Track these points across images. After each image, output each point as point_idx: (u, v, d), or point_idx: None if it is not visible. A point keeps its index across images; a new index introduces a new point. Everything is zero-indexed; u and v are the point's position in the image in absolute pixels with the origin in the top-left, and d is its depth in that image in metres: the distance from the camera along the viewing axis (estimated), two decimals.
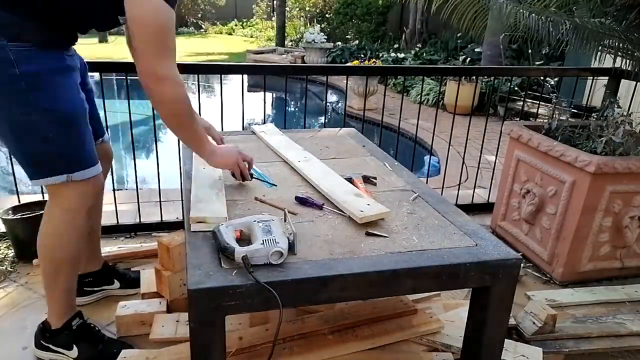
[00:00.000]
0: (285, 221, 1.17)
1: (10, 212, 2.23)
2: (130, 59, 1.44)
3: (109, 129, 2.74)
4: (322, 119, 2.99)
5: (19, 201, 2.34)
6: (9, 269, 2.16)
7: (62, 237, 1.49)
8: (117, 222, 2.53)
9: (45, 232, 1.50)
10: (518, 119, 5.28)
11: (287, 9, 14.28)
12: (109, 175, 2.55)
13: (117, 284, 1.97)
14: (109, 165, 1.90)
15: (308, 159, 1.73)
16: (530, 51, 7.14)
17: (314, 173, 1.59)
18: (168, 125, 1.31)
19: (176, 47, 1.28)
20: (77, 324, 1.60)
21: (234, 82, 6.10)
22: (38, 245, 1.51)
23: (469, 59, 8.39)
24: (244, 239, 1.15)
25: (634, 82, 2.77)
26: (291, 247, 1.12)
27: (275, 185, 1.52)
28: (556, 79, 2.83)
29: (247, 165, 1.48)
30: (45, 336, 1.60)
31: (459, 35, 9.50)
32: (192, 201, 1.33)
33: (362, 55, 9.80)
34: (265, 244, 1.07)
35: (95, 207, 1.84)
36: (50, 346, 1.59)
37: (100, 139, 1.75)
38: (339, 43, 11.71)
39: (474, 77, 6.53)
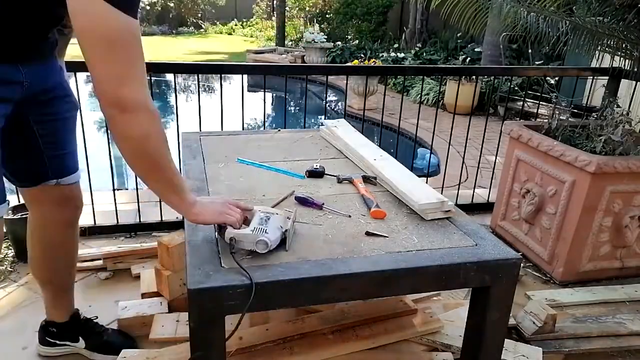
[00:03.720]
0: (289, 219, 1.18)
1: (10, 212, 2.23)
2: None
3: (109, 129, 2.73)
4: (322, 119, 2.99)
5: (19, 201, 2.34)
6: (9, 269, 2.16)
7: None
8: (117, 222, 2.53)
9: None
10: (518, 118, 5.28)
11: (287, 8, 14.28)
12: (109, 175, 2.56)
13: (82, 342, 1.66)
14: (72, 213, 1.57)
15: (384, 157, 1.70)
16: (530, 51, 7.13)
17: (389, 172, 1.57)
18: (135, 169, 1.03)
19: (145, 68, 0.98)
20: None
21: (234, 82, 6.10)
22: None
23: (468, 58, 8.39)
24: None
25: (634, 82, 2.77)
26: (282, 243, 1.13)
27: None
28: (556, 79, 2.83)
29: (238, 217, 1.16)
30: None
31: (458, 35, 9.51)
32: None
33: (362, 55, 9.80)
34: (255, 231, 1.09)
35: (63, 248, 1.59)
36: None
37: (55, 181, 1.44)
38: (339, 43, 11.71)
39: (474, 77, 6.53)
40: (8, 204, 1.26)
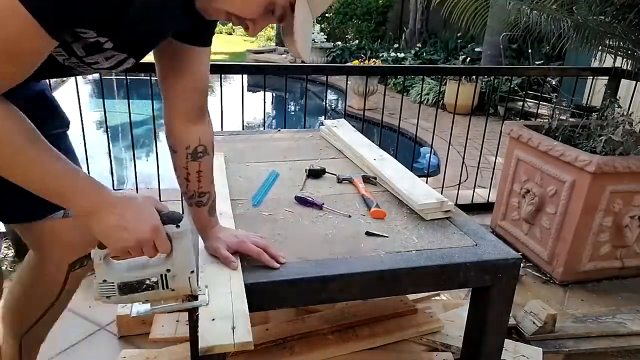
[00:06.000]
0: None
1: None
2: None
3: (108, 130, 2.74)
4: (322, 119, 3.00)
5: None
6: (9, 269, 2.16)
7: None
8: None
9: None
10: (518, 118, 5.28)
11: None
12: (109, 176, 2.56)
13: None
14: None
15: (384, 157, 1.71)
16: (530, 51, 7.13)
17: (388, 172, 1.57)
18: None
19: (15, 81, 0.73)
20: None
21: (234, 82, 6.10)
22: None
23: (469, 58, 8.38)
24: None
25: (634, 82, 2.76)
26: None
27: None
28: (556, 79, 2.83)
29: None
30: None
31: (459, 35, 9.50)
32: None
33: (362, 55, 9.79)
34: None
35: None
36: None
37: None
38: (339, 43, 11.70)
39: (474, 77, 6.52)
40: None
